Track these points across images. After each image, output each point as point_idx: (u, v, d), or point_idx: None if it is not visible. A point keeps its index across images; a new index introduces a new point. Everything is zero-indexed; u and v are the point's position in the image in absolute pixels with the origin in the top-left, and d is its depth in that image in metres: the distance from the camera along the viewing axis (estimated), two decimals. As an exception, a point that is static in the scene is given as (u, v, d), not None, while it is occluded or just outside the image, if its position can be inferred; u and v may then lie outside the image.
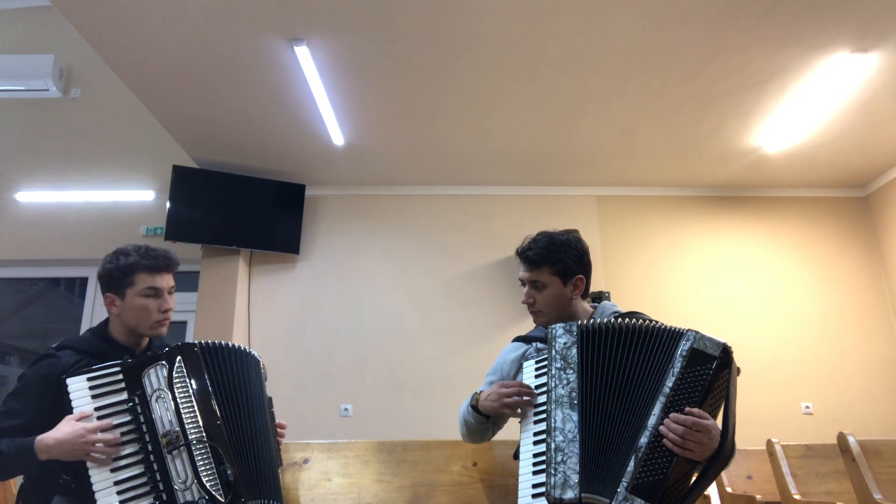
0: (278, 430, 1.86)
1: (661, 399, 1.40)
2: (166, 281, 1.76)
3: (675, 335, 1.46)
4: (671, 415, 1.37)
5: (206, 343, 1.69)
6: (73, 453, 1.49)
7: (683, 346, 1.42)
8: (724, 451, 1.37)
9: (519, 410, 1.60)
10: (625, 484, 1.34)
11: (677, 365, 1.41)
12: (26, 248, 4.51)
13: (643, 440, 1.37)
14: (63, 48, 4.77)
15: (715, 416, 1.40)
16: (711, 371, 1.38)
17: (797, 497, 2.45)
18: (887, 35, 2.93)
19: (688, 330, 1.46)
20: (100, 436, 1.49)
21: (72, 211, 4.58)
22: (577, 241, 1.81)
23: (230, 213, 4.24)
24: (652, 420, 1.39)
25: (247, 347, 1.78)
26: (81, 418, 1.52)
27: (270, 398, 1.83)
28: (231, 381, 1.70)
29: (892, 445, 2.47)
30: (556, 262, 1.75)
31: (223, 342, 1.72)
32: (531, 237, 1.81)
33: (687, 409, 1.36)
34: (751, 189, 4.66)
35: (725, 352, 1.39)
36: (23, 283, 4.78)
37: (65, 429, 1.49)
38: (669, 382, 1.40)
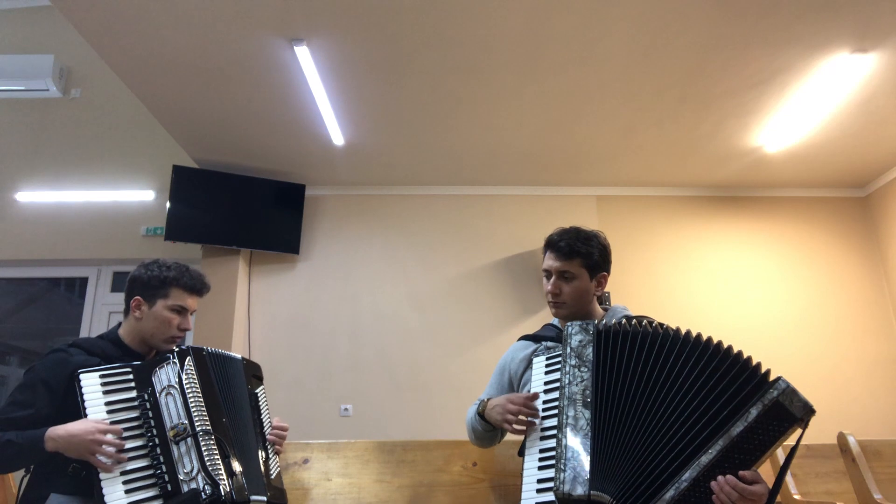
0: (278, 431, 1.88)
1: (724, 440, 1.31)
2: (195, 302, 1.87)
3: (761, 376, 1.35)
4: (728, 477, 1.28)
5: (213, 350, 1.80)
6: (79, 449, 1.52)
7: (769, 395, 1.31)
8: None
9: (521, 427, 1.58)
10: None
11: (753, 412, 1.31)
12: (26, 248, 4.51)
13: (688, 474, 1.31)
14: (63, 48, 4.77)
15: (763, 462, 1.33)
16: (785, 430, 1.30)
17: (797, 497, 2.44)
18: (887, 35, 2.93)
19: (779, 378, 1.34)
20: (110, 438, 1.53)
21: (72, 211, 4.58)
22: (603, 238, 1.84)
23: (230, 213, 4.23)
24: (705, 459, 1.31)
25: (236, 354, 1.89)
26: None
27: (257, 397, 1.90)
28: (233, 385, 1.79)
29: (892, 445, 2.47)
30: (587, 254, 1.77)
31: (226, 352, 1.84)
32: (560, 229, 1.83)
33: (741, 473, 1.28)
34: (751, 189, 4.65)
35: (808, 414, 1.30)
36: (23, 283, 4.78)
37: (79, 424, 1.54)
38: (738, 427, 1.31)
